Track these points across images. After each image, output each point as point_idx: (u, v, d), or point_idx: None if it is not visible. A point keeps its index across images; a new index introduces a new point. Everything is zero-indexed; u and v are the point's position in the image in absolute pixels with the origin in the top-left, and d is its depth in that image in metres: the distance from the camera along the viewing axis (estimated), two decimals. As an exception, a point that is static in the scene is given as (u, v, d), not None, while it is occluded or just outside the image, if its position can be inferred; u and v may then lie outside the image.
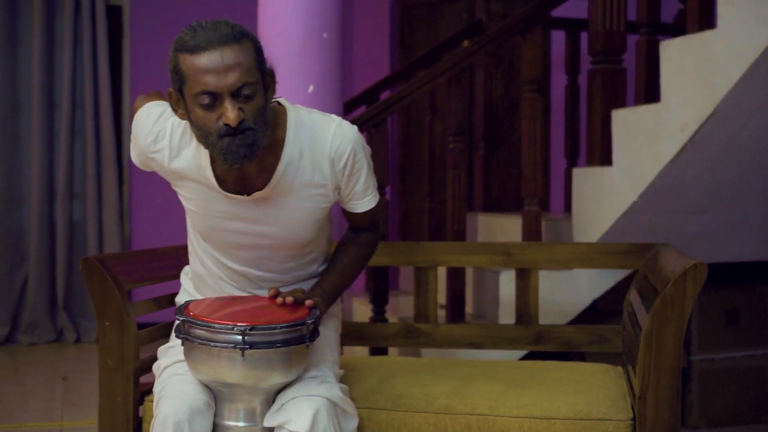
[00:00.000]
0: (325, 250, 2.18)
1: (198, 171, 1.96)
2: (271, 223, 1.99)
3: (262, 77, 1.85)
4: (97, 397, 2.13)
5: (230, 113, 1.77)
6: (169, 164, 1.98)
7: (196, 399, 1.89)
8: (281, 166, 1.93)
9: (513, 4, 4.81)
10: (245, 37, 1.83)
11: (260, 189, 1.94)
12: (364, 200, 2.07)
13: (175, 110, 1.89)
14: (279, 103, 1.99)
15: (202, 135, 1.83)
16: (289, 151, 1.93)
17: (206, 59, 1.77)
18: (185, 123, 1.95)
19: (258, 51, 1.85)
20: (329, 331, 2.15)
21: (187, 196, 2.03)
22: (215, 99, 1.78)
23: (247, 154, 1.81)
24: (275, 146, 1.93)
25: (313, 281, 2.13)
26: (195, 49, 1.78)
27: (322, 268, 2.17)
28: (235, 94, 1.78)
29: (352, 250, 2.15)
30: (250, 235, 2.00)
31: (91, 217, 5.63)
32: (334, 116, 2.02)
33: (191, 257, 2.16)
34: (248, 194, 1.95)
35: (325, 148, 1.95)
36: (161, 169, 2.03)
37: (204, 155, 1.94)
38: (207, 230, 2.04)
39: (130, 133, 2.12)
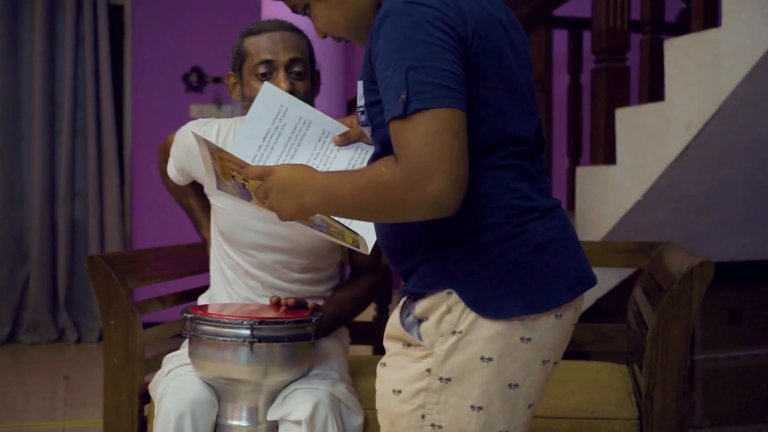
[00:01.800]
0: (336, 276, 2.27)
1: None
2: (294, 225, 2.06)
3: (312, 71, 2.11)
4: (99, 396, 2.12)
5: (283, 83, 2.01)
6: None
7: (198, 394, 1.91)
8: None
9: (515, 3, 4.80)
10: (303, 34, 2.10)
11: None
12: None
13: (231, 92, 2.15)
14: None
15: None
16: None
17: (267, 36, 2.07)
18: (231, 122, 2.16)
19: (311, 49, 2.12)
20: (337, 344, 2.19)
21: (218, 193, 2.10)
22: (270, 70, 2.04)
23: None
24: None
25: (318, 301, 2.18)
26: (259, 31, 2.08)
27: (330, 293, 2.23)
28: (289, 69, 2.04)
29: (350, 289, 2.23)
30: (271, 236, 2.11)
31: (93, 217, 5.63)
32: None
33: (212, 269, 2.25)
34: None
35: None
36: (201, 167, 2.11)
37: None
38: (231, 228, 2.13)
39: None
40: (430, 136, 1.25)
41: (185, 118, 3.90)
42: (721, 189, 3.08)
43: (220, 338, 1.85)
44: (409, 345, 1.40)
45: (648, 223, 3.13)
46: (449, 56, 1.30)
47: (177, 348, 2.21)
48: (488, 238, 1.36)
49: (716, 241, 3.35)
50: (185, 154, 2.18)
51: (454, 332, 1.36)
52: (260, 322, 1.85)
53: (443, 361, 1.36)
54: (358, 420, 2.02)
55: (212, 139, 2.14)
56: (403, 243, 1.43)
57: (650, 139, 2.95)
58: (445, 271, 1.37)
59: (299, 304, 2.00)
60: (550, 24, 3.85)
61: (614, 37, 3.24)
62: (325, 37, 1.58)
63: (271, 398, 1.94)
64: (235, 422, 1.93)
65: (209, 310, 1.97)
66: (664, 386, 1.94)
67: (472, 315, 1.35)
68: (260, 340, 1.84)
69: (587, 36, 3.66)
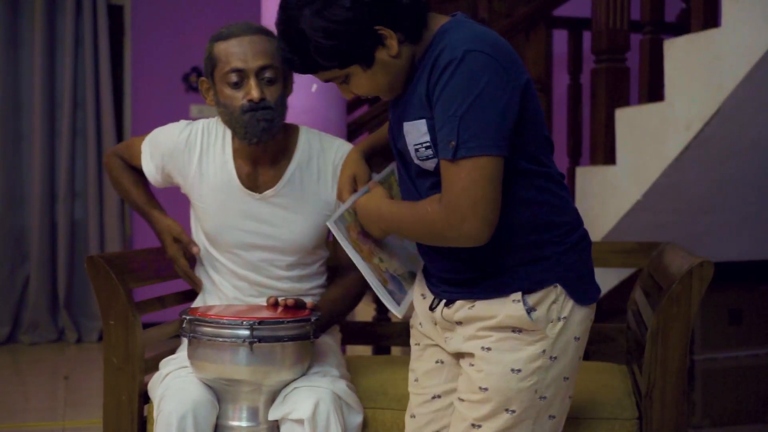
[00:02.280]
0: (323, 273, 2.28)
1: (221, 166, 2.13)
2: (279, 224, 2.13)
3: (284, 73, 2.06)
4: (99, 396, 2.12)
5: (254, 90, 1.99)
6: (198, 160, 2.14)
7: (199, 395, 1.91)
8: (292, 166, 2.13)
9: (515, 3, 4.80)
10: (273, 35, 2.03)
11: (271, 188, 2.11)
12: None
13: (204, 97, 2.12)
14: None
15: (228, 113, 2.03)
16: (299, 155, 2.14)
17: (236, 42, 2.02)
18: (213, 122, 2.16)
19: None
20: (331, 340, 2.20)
21: (203, 194, 2.15)
22: (242, 78, 2.00)
23: (265, 129, 2.01)
24: (287, 150, 2.13)
25: (308, 298, 2.17)
26: (228, 36, 2.03)
27: (318, 290, 2.23)
28: (259, 75, 2.01)
29: (342, 287, 2.22)
30: (257, 234, 2.12)
31: (93, 217, 5.63)
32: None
33: (198, 271, 2.25)
34: (259, 193, 2.11)
35: (330, 156, 2.15)
36: (185, 168, 2.16)
37: (227, 150, 2.12)
38: (216, 228, 2.14)
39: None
40: (469, 183, 1.52)
41: (185, 118, 3.89)
42: (721, 189, 3.08)
43: (220, 339, 1.86)
44: (521, 330, 1.65)
45: (648, 223, 3.13)
46: (499, 104, 1.51)
47: (176, 348, 2.21)
48: (575, 238, 1.69)
49: (716, 241, 3.35)
50: (169, 156, 2.18)
51: (560, 318, 1.65)
52: (260, 323, 1.85)
53: (554, 343, 1.65)
54: (358, 418, 2.02)
55: (197, 138, 2.16)
56: (499, 250, 1.65)
57: (650, 139, 2.95)
58: (553, 268, 1.65)
59: (298, 304, 1.99)
60: (550, 24, 3.84)
61: (614, 37, 3.24)
62: (353, 97, 1.71)
63: (272, 398, 1.94)
64: (235, 423, 1.94)
65: (209, 308, 1.96)
66: (664, 386, 1.94)
67: (570, 302, 1.66)
68: (260, 340, 1.85)
69: (587, 36, 3.66)
